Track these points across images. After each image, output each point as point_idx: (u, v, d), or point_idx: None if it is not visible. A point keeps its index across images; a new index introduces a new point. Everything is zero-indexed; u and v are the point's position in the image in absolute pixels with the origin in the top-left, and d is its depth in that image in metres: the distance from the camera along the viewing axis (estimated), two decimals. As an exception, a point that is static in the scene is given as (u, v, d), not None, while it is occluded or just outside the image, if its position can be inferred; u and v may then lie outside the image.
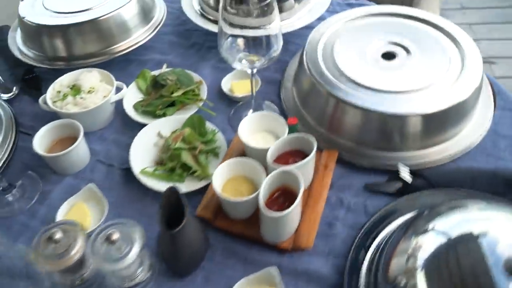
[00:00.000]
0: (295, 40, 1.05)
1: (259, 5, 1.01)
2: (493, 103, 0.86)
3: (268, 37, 0.75)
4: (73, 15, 0.95)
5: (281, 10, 1.02)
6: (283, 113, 0.88)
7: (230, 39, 0.74)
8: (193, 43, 1.08)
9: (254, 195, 0.64)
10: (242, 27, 0.75)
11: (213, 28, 1.01)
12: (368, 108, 0.74)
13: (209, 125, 0.82)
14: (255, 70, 0.78)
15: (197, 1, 1.09)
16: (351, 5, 1.14)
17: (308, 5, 1.07)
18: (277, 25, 0.74)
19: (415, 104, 0.74)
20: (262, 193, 0.63)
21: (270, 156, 0.68)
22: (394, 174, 0.75)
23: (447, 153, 0.77)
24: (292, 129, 0.74)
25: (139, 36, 1.02)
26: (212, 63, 1.01)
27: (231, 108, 0.90)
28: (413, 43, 0.84)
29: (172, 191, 0.60)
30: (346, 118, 0.77)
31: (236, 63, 0.75)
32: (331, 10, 1.13)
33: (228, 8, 1.00)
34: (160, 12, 1.07)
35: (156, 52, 1.06)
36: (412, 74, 0.79)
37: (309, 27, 1.00)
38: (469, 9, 2.52)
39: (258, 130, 0.77)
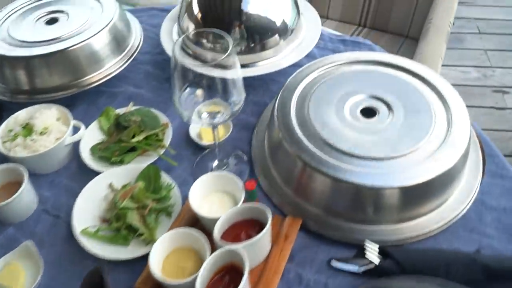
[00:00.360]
0: (280, 78, 0.97)
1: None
2: (481, 168, 0.77)
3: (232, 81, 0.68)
4: (39, 45, 0.89)
5: (264, 47, 0.95)
6: (252, 166, 0.81)
7: (188, 89, 0.67)
8: (169, 76, 1.00)
9: (193, 277, 0.57)
10: (218, 66, 0.68)
11: (190, 63, 0.94)
12: (338, 178, 0.66)
13: (166, 178, 0.75)
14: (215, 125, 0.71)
15: (177, 30, 1.02)
16: (344, 42, 1.07)
17: (296, 41, 0.99)
18: (237, 72, 0.66)
19: (393, 174, 0.66)
20: (203, 277, 0.56)
21: (217, 231, 0.61)
22: (363, 250, 0.67)
23: (427, 229, 0.69)
24: (249, 194, 0.67)
25: (112, 66, 0.95)
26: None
27: (197, 155, 0.83)
28: (397, 99, 0.76)
29: (95, 271, 0.54)
30: (314, 184, 0.70)
31: (194, 118, 0.68)
32: (322, 47, 1.06)
33: (204, 42, 0.94)
34: (136, 40, 1.01)
35: (130, 83, 0.99)
36: (392, 136, 0.71)
37: (296, 65, 0.93)
38: (486, 34, 2.40)
39: (215, 190, 0.69)
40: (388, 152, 0.68)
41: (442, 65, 1.51)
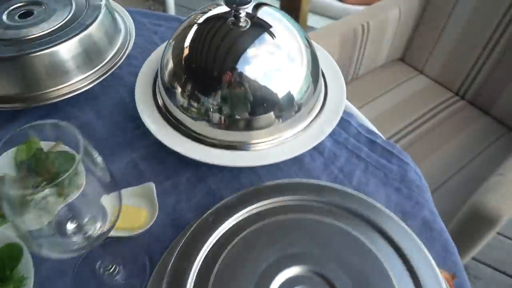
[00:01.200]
0: (258, 170, 0.72)
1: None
2: None
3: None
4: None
5: (251, 126, 0.70)
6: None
7: (47, 190, 0.47)
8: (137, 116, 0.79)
9: None
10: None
11: (145, 115, 0.74)
12: None
13: (26, 267, 0.57)
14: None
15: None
16: (372, 145, 0.75)
17: (300, 125, 0.73)
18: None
19: None
20: None
21: None
22: None
23: None
24: None
25: (75, 84, 0.78)
26: (134, 157, 0.74)
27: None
28: (348, 279, 0.48)
29: None
30: None
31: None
32: (341, 140, 0.76)
33: (178, 95, 0.73)
34: (116, 56, 0.81)
35: (93, 108, 0.80)
36: None
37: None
38: None
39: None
40: None
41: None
